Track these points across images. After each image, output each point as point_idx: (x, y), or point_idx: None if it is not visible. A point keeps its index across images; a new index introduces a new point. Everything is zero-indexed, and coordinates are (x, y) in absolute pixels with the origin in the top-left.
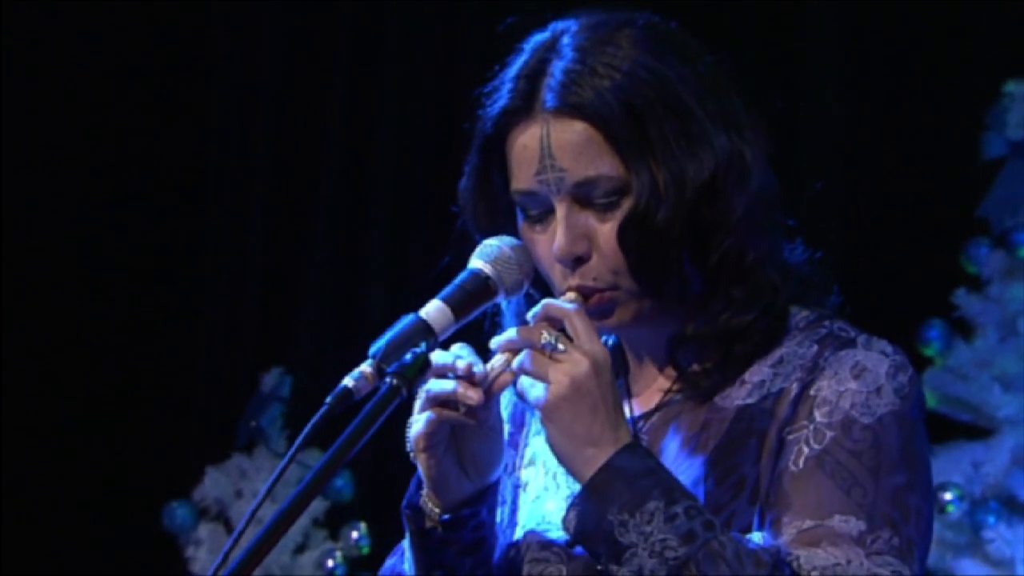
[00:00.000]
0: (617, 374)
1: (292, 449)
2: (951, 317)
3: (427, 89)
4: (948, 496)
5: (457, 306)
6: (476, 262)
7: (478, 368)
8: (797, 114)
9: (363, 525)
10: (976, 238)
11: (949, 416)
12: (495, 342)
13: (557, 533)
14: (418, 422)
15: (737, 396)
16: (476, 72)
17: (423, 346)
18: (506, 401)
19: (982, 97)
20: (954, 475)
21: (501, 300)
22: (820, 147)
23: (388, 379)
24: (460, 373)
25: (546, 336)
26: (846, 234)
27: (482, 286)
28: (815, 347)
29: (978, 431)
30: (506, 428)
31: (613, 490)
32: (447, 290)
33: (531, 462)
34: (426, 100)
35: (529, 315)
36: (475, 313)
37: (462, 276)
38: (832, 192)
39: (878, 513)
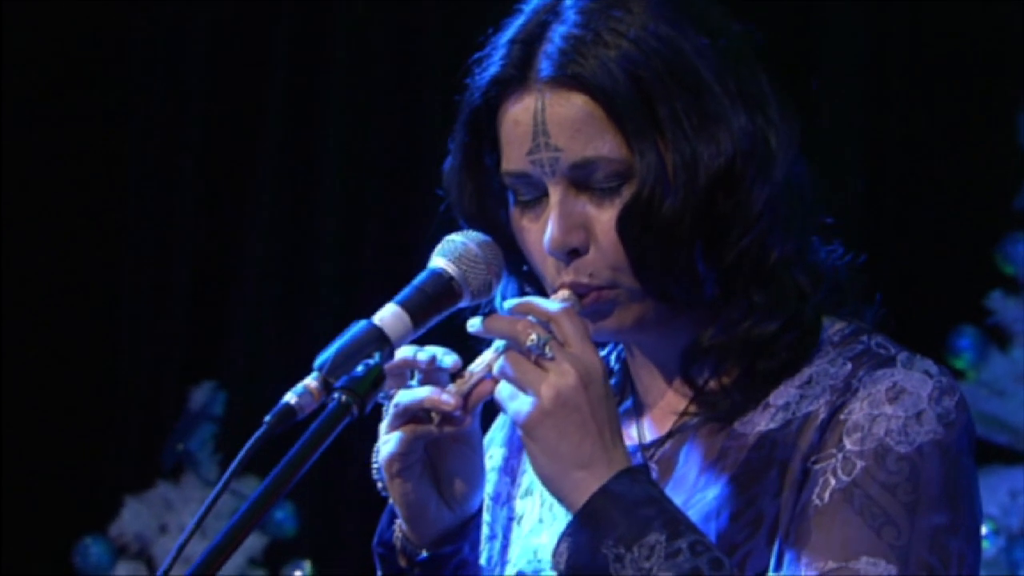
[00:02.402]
0: (624, 391)
1: (225, 476)
2: (985, 324)
3: (381, 61)
4: (981, 530)
5: (416, 311)
6: (438, 261)
7: (446, 359)
8: (813, 94)
9: (307, 564)
10: (1013, 233)
11: (983, 438)
12: (473, 324)
13: (550, 573)
14: (388, 443)
15: (759, 421)
16: (439, 40)
17: (377, 357)
18: (502, 421)
19: (1018, 75)
20: (989, 505)
21: (466, 304)
22: (837, 129)
23: (336, 395)
24: (422, 367)
25: (534, 337)
26: (865, 229)
27: (445, 288)
28: (849, 366)
29: (1016, 455)
30: (501, 452)
31: (608, 519)
32: (404, 293)
33: (528, 492)
34: (379, 75)
35: (506, 305)
36: (436, 319)
37: (422, 277)
38: (850, 181)
39: (913, 557)
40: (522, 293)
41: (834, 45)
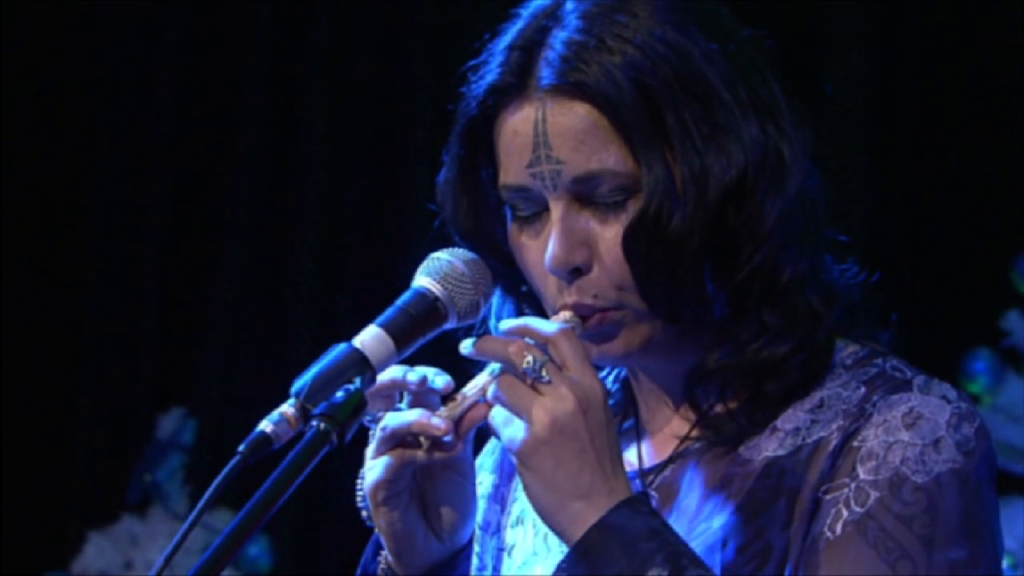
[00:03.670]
0: (626, 414)
1: (196, 509)
2: (1001, 346)
3: (364, 64)
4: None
5: (399, 333)
6: (422, 280)
7: (438, 380)
8: (816, 98)
9: None
10: None
11: (999, 467)
12: (465, 346)
13: None
14: (374, 469)
15: (767, 446)
16: (426, 42)
17: (357, 382)
18: (492, 446)
19: None
20: (1006, 539)
21: (452, 326)
22: (842, 138)
23: (315, 422)
24: (412, 388)
25: (530, 359)
26: (873, 245)
27: (429, 309)
28: (862, 389)
29: None
30: (491, 478)
31: (607, 554)
32: (387, 314)
33: (519, 521)
34: (363, 82)
35: (501, 326)
36: (421, 342)
37: (405, 297)
38: (856, 195)
39: None
40: (520, 315)
41: (841, 51)
